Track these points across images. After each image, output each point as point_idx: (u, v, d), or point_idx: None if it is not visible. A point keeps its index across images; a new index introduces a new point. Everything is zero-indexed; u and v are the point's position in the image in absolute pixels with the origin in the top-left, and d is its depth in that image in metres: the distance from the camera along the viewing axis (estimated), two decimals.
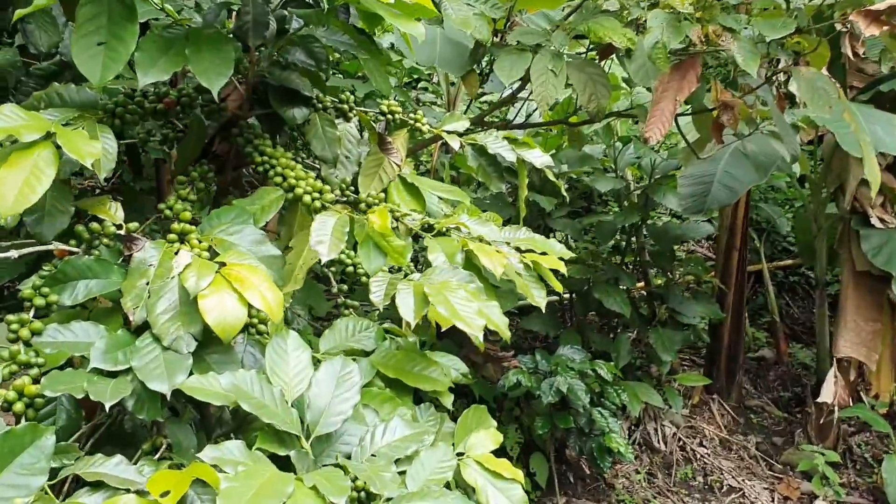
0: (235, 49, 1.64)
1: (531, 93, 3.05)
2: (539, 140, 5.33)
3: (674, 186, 4.83)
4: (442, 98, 5.87)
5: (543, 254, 2.10)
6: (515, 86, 3.48)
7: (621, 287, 4.95)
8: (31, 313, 1.42)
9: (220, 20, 1.78)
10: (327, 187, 1.69)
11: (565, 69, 3.07)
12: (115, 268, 1.48)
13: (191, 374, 1.37)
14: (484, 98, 5.23)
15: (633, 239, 5.39)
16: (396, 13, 1.64)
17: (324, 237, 1.52)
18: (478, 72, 3.57)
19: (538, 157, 1.98)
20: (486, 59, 3.61)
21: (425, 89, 5.91)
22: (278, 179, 1.74)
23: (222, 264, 1.45)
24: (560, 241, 4.79)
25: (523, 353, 4.51)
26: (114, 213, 1.55)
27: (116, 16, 1.52)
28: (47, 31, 1.93)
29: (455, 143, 1.97)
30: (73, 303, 1.44)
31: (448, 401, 1.71)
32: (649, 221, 5.51)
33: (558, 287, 2.12)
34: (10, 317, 1.39)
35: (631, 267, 5.49)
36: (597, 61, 3.18)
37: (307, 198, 1.68)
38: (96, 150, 1.38)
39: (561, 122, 3.71)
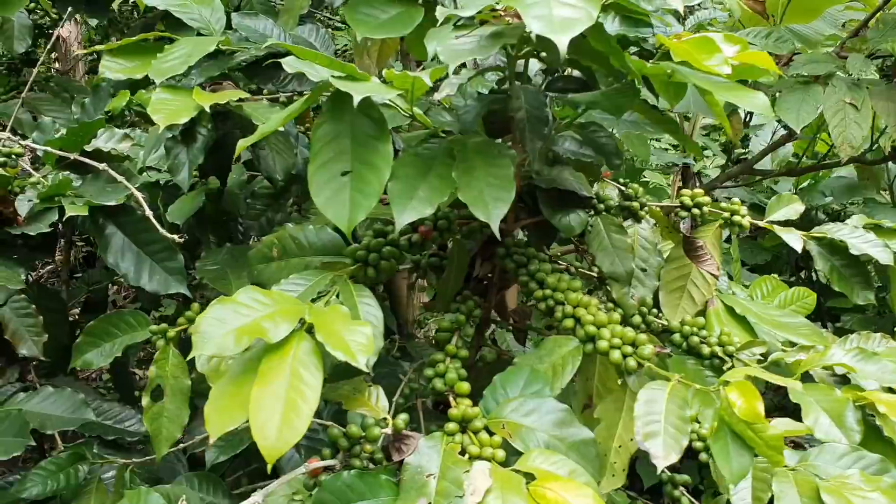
0: (513, 159, 1.23)
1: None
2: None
3: None
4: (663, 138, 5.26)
5: None
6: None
7: None
8: None
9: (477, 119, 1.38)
10: (643, 337, 1.22)
11: (868, 100, 2.44)
12: (384, 482, 1.09)
13: None
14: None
15: None
16: (729, 85, 1.17)
17: (654, 428, 1.02)
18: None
19: None
20: None
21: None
22: (569, 323, 1.29)
23: (530, 476, 1.02)
24: None
25: None
26: (375, 402, 1.17)
27: (362, 134, 1.15)
28: (282, 153, 1.62)
29: (795, 241, 1.44)
30: None
31: None
32: None
33: None
34: None
35: None
36: None
37: (615, 354, 1.19)
38: (365, 338, 0.99)
39: (858, 161, 3.03)
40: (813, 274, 4.51)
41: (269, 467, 0.93)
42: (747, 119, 3.16)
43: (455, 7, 1.41)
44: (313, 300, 1.15)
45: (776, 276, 2.33)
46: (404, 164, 1.18)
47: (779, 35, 2.53)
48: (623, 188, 2.26)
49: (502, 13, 1.17)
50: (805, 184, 4.39)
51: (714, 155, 5.65)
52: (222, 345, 0.97)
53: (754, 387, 0.98)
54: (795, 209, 1.53)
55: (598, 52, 1.20)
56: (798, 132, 2.42)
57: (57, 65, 3.14)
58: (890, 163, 4.08)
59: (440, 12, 1.17)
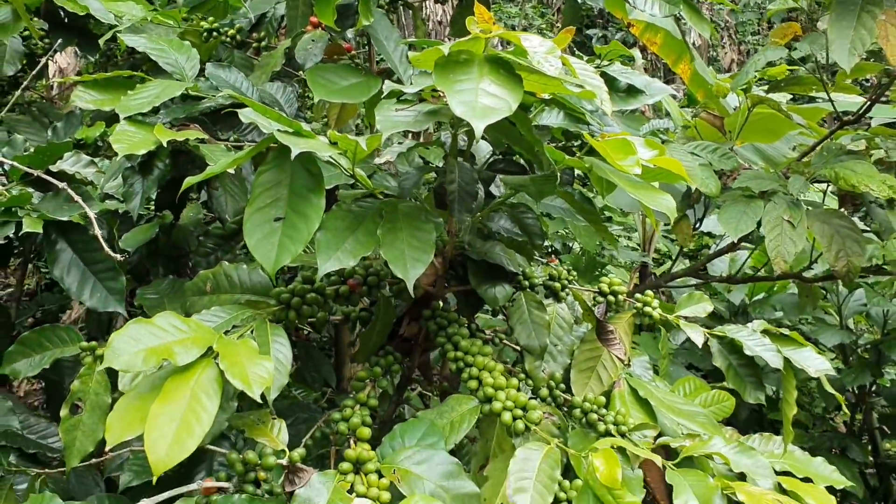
0: (437, 227, 1.33)
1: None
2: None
3: None
4: (633, 238, 5.44)
5: (806, 480, 1.62)
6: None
7: (851, 458, 4.18)
8: None
9: (418, 189, 1.49)
10: (534, 402, 1.31)
11: (805, 220, 2.59)
12: None
13: None
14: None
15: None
16: (638, 184, 1.29)
17: (525, 484, 1.12)
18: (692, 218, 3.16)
19: (813, 362, 1.52)
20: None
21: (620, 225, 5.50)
22: (473, 384, 1.38)
23: None
24: None
25: None
26: (276, 434, 1.24)
27: (299, 185, 1.26)
28: (235, 195, 1.72)
29: (698, 336, 1.55)
30: None
31: None
32: (881, 381, 4.71)
33: None
34: None
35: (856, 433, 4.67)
36: (842, 211, 2.68)
37: (507, 416, 1.30)
38: (266, 372, 1.08)
39: (792, 277, 3.17)
40: (769, 390, 4.61)
41: (155, 479, 1.00)
42: (696, 224, 3.29)
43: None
44: (227, 332, 1.24)
45: (696, 377, 2.41)
46: (335, 218, 1.28)
47: (724, 152, 2.69)
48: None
49: (441, 94, 1.29)
50: (760, 296, 4.54)
51: (674, 257, 5.83)
52: (131, 362, 1.05)
53: (617, 456, 1.06)
54: (704, 308, 1.64)
55: (527, 141, 1.32)
56: (735, 241, 2.55)
57: (54, 91, 3.26)
58: (841, 286, 4.24)
59: (387, 86, 1.29)
